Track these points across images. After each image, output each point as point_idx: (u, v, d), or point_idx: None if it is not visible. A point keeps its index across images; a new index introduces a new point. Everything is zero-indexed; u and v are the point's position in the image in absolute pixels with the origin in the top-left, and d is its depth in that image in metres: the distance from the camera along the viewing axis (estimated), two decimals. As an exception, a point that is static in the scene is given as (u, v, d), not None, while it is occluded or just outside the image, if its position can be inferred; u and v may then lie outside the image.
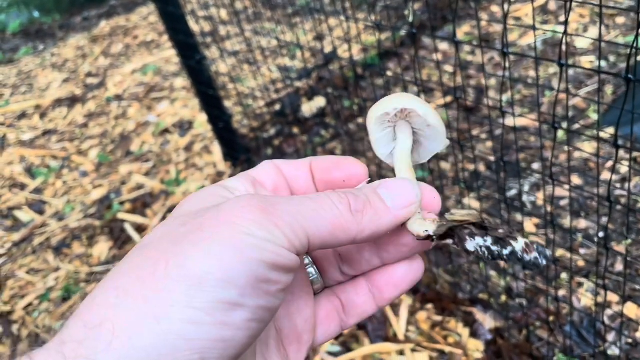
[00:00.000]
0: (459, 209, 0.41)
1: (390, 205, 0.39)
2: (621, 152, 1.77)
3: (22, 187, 2.86)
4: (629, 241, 1.59)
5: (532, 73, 2.33)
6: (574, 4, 0.78)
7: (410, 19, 1.03)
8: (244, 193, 0.40)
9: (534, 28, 0.95)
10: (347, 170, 0.43)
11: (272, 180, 0.43)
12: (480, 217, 0.39)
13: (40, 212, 2.61)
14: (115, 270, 0.34)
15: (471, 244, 0.38)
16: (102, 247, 2.27)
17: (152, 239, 0.35)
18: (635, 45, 0.79)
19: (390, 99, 0.43)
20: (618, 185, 1.75)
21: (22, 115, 3.65)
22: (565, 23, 0.83)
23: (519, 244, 0.37)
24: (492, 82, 2.35)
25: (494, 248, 0.37)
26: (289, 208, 0.35)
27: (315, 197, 0.38)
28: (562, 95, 2.05)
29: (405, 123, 0.44)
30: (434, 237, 0.39)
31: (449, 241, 0.39)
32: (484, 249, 0.38)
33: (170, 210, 2.32)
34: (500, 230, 0.38)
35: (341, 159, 0.43)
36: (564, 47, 0.84)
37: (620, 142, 0.80)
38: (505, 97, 2.19)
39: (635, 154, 1.78)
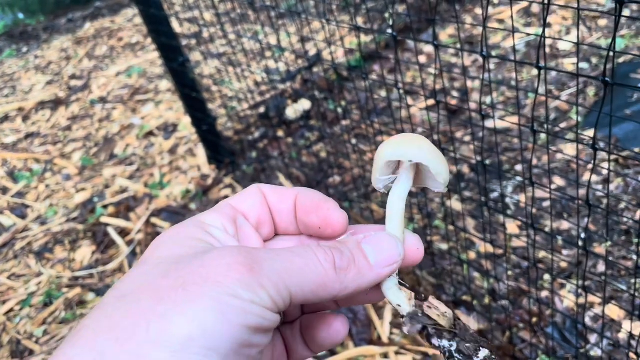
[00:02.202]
0: (436, 300, 0.42)
1: (373, 263, 0.39)
2: (603, 154, 1.79)
3: (4, 190, 2.82)
4: (609, 243, 1.60)
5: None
6: (556, 7, 0.79)
7: (391, 22, 1.03)
8: (224, 235, 0.39)
9: (513, 31, 0.95)
10: (325, 218, 0.42)
11: (256, 213, 0.43)
12: (453, 321, 0.41)
13: (22, 217, 2.58)
14: (92, 324, 0.32)
15: (437, 341, 0.40)
16: (85, 252, 2.24)
17: (131, 288, 0.34)
18: (612, 48, 0.80)
19: (407, 146, 0.42)
20: (600, 187, 1.76)
21: (5, 118, 3.61)
22: (544, 26, 0.84)
23: (479, 358, 0.40)
24: (477, 84, 2.36)
25: (456, 355, 0.40)
26: (275, 266, 0.35)
27: (301, 253, 0.37)
28: (544, 98, 2.06)
29: (411, 168, 0.44)
30: (406, 316, 0.41)
31: (418, 326, 0.41)
32: (446, 350, 0.40)
33: (153, 214, 2.30)
34: (467, 345, 0.40)
35: (322, 202, 0.42)
36: (546, 50, 0.84)
37: (601, 144, 0.81)
38: (490, 99, 2.20)
39: (616, 155, 1.79)
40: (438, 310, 0.40)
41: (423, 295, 0.42)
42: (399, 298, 0.41)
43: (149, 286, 0.33)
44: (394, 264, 0.40)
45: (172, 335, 0.30)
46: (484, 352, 0.39)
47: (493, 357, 0.39)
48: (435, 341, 0.40)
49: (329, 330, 0.43)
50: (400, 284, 0.42)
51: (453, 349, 0.40)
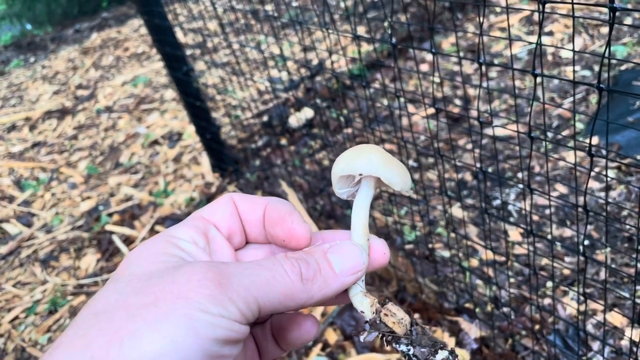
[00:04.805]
0: (396, 306, 0.43)
1: (338, 272, 0.41)
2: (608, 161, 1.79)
3: (11, 199, 2.84)
4: (608, 249, 1.60)
5: (518, 83, 2.36)
6: (558, 15, 0.80)
7: (389, 31, 1.04)
8: (194, 248, 0.41)
9: (510, 38, 0.96)
10: (289, 232, 0.43)
11: (227, 223, 0.44)
12: (409, 326, 0.42)
13: (28, 225, 2.60)
14: (67, 343, 0.33)
15: (396, 346, 0.42)
16: (90, 260, 2.26)
17: (104, 306, 0.35)
18: (608, 55, 0.80)
19: (356, 160, 0.43)
20: (602, 194, 1.76)
21: (12, 128, 3.65)
22: (539, 34, 0.85)
23: None
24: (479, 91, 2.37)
25: (414, 359, 0.42)
26: (243, 280, 0.36)
27: (268, 265, 0.38)
28: (548, 105, 2.07)
29: (369, 177, 0.44)
30: (368, 322, 0.43)
31: (373, 335, 0.43)
32: (405, 354, 0.42)
33: (158, 222, 2.31)
34: (423, 349, 0.42)
35: (287, 216, 0.43)
36: (547, 58, 0.85)
37: (604, 151, 0.82)
38: (492, 106, 2.20)
39: (618, 163, 1.79)
40: (395, 317, 0.42)
41: (386, 300, 0.43)
42: (363, 305, 0.43)
43: (121, 304, 0.34)
44: (358, 272, 0.42)
45: (144, 351, 0.31)
46: (442, 354, 0.41)
47: (451, 358, 0.41)
48: (394, 346, 0.42)
49: (300, 330, 0.45)
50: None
51: (411, 353, 0.42)
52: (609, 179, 1.76)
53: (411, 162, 2.11)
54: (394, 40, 1.09)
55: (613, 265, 1.56)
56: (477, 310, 1.55)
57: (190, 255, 0.40)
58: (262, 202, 0.45)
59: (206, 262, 0.38)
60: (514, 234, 1.75)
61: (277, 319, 0.45)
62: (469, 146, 2.13)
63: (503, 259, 1.65)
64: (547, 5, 0.79)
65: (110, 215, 2.47)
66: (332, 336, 1.63)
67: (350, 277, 0.41)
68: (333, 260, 0.41)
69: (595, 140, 1.92)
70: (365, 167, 0.43)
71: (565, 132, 2.05)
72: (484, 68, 0.98)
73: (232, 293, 0.35)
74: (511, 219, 1.79)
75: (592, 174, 1.83)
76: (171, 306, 0.33)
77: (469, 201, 1.92)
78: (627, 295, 1.48)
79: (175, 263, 0.37)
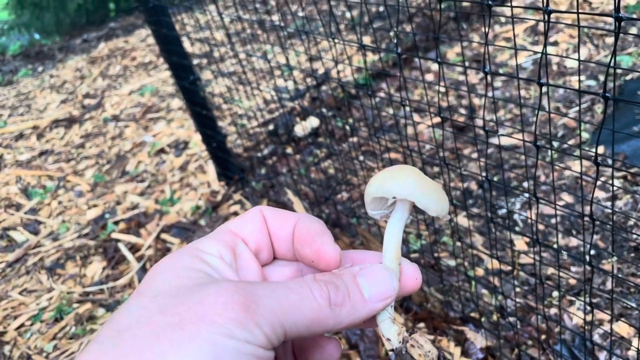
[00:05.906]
0: (423, 337, 0.42)
1: (367, 297, 0.40)
2: (614, 171, 1.79)
3: (18, 207, 2.86)
4: (615, 259, 1.59)
5: (523, 92, 2.36)
6: (562, 25, 0.81)
7: (395, 40, 1.05)
8: (220, 263, 0.40)
9: (515, 48, 0.96)
10: (318, 253, 0.42)
11: (256, 238, 0.43)
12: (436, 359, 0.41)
13: (35, 233, 2.61)
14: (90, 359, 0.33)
15: None
16: (96, 267, 2.26)
17: (128, 323, 0.34)
18: (613, 65, 0.81)
19: (390, 182, 0.42)
20: (608, 203, 1.76)
21: (20, 136, 3.68)
22: (545, 44, 0.85)
23: None
24: (484, 101, 2.38)
25: None
26: (270, 303, 0.35)
27: (296, 288, 0.37)
28: (554, 115, 2.07)
29: (405, 200, 0.43)
30: (394, 351, 0.41)
31: None
32: None
33: (163, 230, 2.32)
34: None
35: (317, 236, 0.42)
36: (552, 68, 0.86)
37: (610, 161, 0.82)
38: (498, 116, 2.21)
39: (624, 172, 1.79)
40: (422, 349, 0.41)
41: (414, 329, 0.42)
42: (390, 332, 0.41)
43: (146, 322, 0.34)
44: (387, 298, 0.40)
45: None
46: None
47: None
48: None
49: (322, 352, 0.43)
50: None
51: None
52: (615, 188, 1.75)
53: (416, 171, 2.11)
54: (399, 50, 1.10)
55: (620, 275, 1.56)
56: (483, 319, 1.54)
57: (217, 271, 0.39)
58: (292, 218, 0.44)
59: (233, 282, 0.37)
60: (520, 243, 1.75)
61: (299, 340, 0.44)
62: (475, 155, 2.13)
63: (509, 268, 1.64)
64: (552, 15, 0.79)
65: (116, 223, 2.48)
66: (337, 345, 1.63)
67: (380, 303, 0.40)
68: (362, 284, 0.40)
69: (600, 149, 1.92)
70: (399, 190, 0.41)
71: (570, 142, 2.05)
72: (489, 77, 0.99)
73: (258, 317, 0.34)
74: (517, 228, 1.78)
75: (598, 183, 1.83)
76: (196, 329, 0.33)
77: (475, 210, 1.92)
78: (634, 305, 1.48)
79: (201, 280, 0.37)
